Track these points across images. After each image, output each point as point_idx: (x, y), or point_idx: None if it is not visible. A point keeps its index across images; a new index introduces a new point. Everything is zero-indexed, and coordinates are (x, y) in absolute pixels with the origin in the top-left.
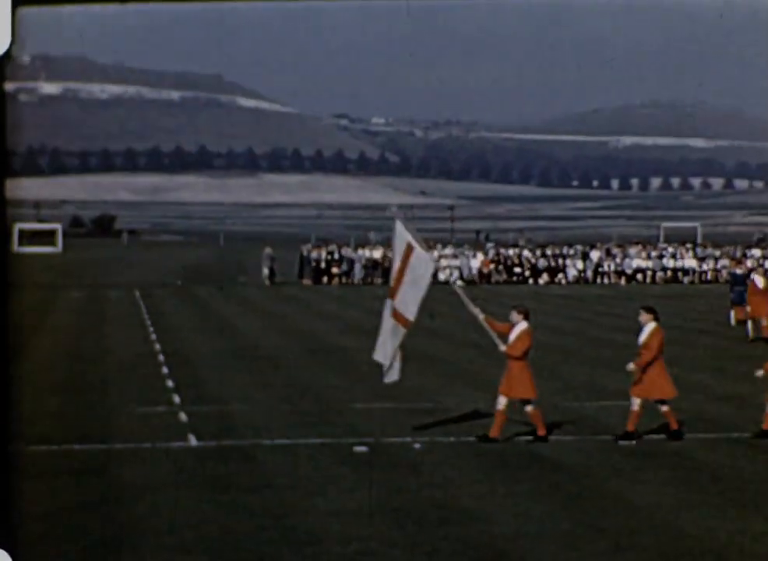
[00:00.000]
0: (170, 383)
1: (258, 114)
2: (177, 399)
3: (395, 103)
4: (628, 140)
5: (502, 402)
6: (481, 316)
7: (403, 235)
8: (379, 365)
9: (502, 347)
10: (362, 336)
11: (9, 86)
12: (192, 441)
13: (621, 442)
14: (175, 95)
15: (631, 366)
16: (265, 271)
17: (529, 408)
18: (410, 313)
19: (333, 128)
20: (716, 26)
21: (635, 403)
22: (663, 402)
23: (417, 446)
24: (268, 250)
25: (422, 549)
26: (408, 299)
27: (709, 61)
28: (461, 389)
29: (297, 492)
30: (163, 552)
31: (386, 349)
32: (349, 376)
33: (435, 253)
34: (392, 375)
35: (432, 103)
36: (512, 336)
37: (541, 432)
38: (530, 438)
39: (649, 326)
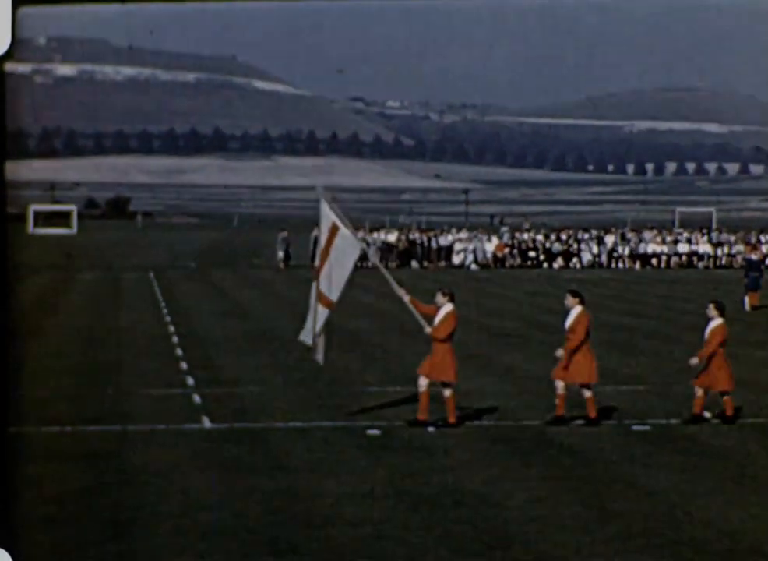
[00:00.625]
0: (183, 365)
1: (273, 97)
2: (190, 381)
3: (410, 86)
4: (643, 125)
5: (423, 383)
6: (407, 298)
7: (328, 215)
8: (388, 349)
9: (427, 329)
10: (376, 320)
11: (25, 68)
12: (206, 423)
13: (552, 428)
14: (190, 77)
15: (560, 352)
16: (280, 254)
17: (447, 392)
18: (334, 294)
19: (348, 111)
20: (732, 11)
21: (560, 386)
22: (587, 387)
23: (430, 429)
24: (283, 233)
25: (434, 532)
26: (332, 280)
27: (724, 45)
28: (473, 373)
29: (310, 474)
30: (176, 534)
31: (311, 330)
32: (362, 359)
33: (450, 237)
34: (318, 357)
35: (447, 86)
36: (438, 318)
37: (451, 419)
38: (439, 423)
39: (576, 310)
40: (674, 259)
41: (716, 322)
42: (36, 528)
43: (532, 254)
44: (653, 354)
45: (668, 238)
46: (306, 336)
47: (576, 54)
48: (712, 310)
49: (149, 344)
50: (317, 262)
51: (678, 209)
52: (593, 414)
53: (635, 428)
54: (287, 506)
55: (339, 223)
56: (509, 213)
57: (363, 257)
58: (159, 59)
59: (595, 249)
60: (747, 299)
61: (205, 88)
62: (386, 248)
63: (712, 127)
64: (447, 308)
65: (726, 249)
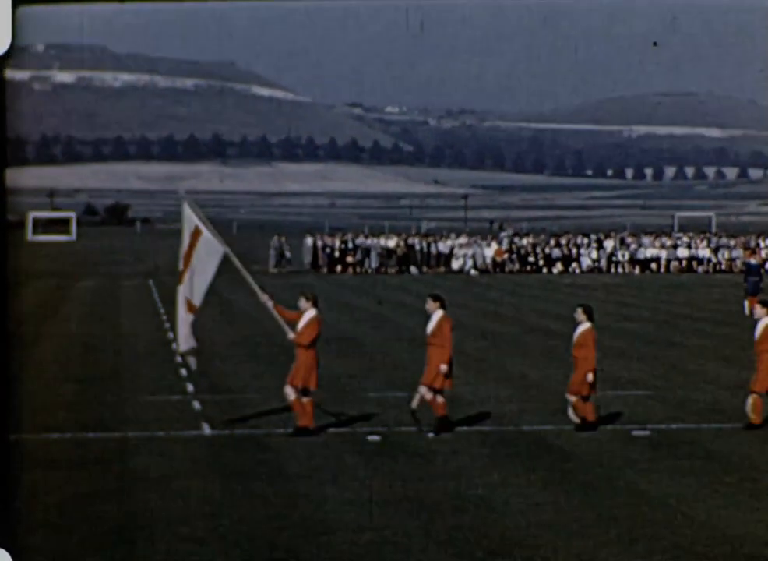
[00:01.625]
0: (183, 372)
1: (272, 103)
2: (190, 388)
3: (409, 92)
4: (642, 129)
5: (289, 392)
6: (270, 303)
7: (191, 219)
8: (389, 354)
9: (291, 335)
10: (376, 326)
11: (24, 75)
12: (206, 430)
13: (430, 435)
14: (189, 83)
15: (443, 367)
16: (272, 260)
17: (305, 399)
18: (197, 299)
19: (347, 117)
20: (731, 16)
21: (424, 391)
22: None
23: (430, 435)
24: (275, 239)
25: (435, 538)
26: (195, 284)
27: (723, 50)
28: (473, 378)
29: (310, 481)
30: (177, 541)
31: (185, 337)
32: (362, 365)
33: (449, 242)
34: (192, 362)
35: (446, 92)
36: (301, 324)
37: (307, 421)
38: (290, 431)
39: (437, 315)
40: (674, 263)
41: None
42: (36, 534)
43: (531, 259)
44: (653, 359)
45: (667, 243)
46: (182, 344)
47: (574, 59)
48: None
49: (149, 350)
50: (180, 267)
51: (678, 213)
52: (441, 411)
53: (635, 433)
54: (287, 512)
55: (202, 227)
56: (508, 218)
57: (359, 262)
58: (157, 66)
59: (594, 254)
60: (747, 303)
61: (204, 94)
62: (385, 254)
63: (711, 131)
64: (310, 313)
65: (725, 254)
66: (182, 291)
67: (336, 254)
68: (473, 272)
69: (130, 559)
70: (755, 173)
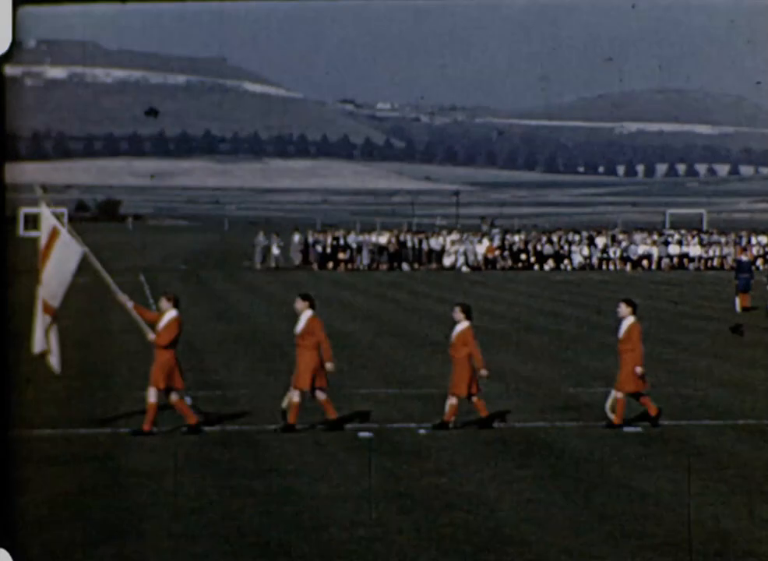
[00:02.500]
0: None
1: (264, 99)
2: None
3: (400, 88)
4: (633, 126)
5: (151, 394)
6: (130, 304)
7: (48, 219)
8: (380, 351)
9: (151, 336)
10: (367, 322)
11: (15, 70)
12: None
13: (422, 432)
14: (180, 79)
15: (330, 365)
16: (258, 257)
17: (174, 397)
18: (55, 300)
19: (339, 113)
20: (722, 12)
21: (296, 394)
22: (321, 390)
23: (421, 431)
24: (261, 236)
25: (427, 535)
26: (52, 285)
27: (714, 46)
28: None
29: (301, 477)
30: (168, 537)
31: (39, 338)
32: (354, 362)
33: (441, 239)
34: (53, 362)
35: (438, 88)
36: (161, 324)
37: (191, 420)
38: (185, 429)
39: (306, 315)
40: (665, 260)
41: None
42: (29, 531)
43: (523, 256)
44: (645, 356)
45: (659, 240)
46: (37, 345)
47: (565, 56)
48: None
49: (141, 346)
50: (39, 267)
51: (669, 210)
52: (292, 419)
53: (627, 429)
54: (278, 508)
55: (60, 227)
56: (500, 214)
57: (350, 259)
58: (149, 61)
59: (586, 251)
60: (738, 300)
61: (195, 90)
62: (377, 250)
63: (702, 128)
64: (171, 314)
65: (717, 251)
66: (41, 292)
67: (328, 250)
68: (464, 268)
69: (121, 556)
70: (746, 170)
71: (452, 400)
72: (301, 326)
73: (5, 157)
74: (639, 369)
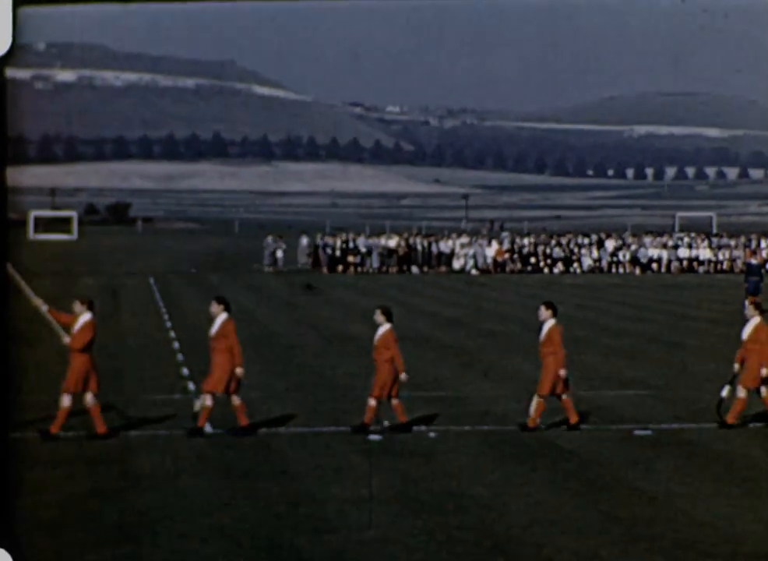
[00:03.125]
0: (185, 371)
1: (273, 102)
2: (192, 386)
3: (410, 91)
4: (643, 129)
5: (65, 400)
6: (45, 308)
7: None
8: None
9: (66, 340)
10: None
11: (25, 73)
12: (208, 428)
13: (431, 434)
14: (190, 83)
15: (239, 371)
16: (267, 260)
17: (89, 400)
18: None
19: (348, 116)
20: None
21: (209, 398)
22: (235, 394)
23: (431, 434)
24: (270, 239)
25: (437, 537)
26: None
27: (724, 49)
28: (474, 377)
29: (312, 479)
30: (179, 539)
31: None
32: (364, 365)
33: (450, 242)
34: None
35: (447, 91)
36: (76, 328)
37: (101, 429)
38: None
39: (221, 318)
40: (675, 263)
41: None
42: (39, 533)
43: (532, 259)
44: (655, 359)
45: (668, 243)
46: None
47: (575, 58)
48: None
49: (150, 349)
50: None
51: (678, 213)
52: (202, 422)
53: (637, 432)
54: (289, 511)
55: None
56: (510, 217)
57: (360, 262)
58: (159, 65)
59: (595, 254)
60: (747, 303)
61: (205, 93)
62: (387, 254)
63: (712, 131)
64: (86, 317)
65: (726, 254)
66: None
67: (338, 254)
68: (474, 272)
69: (132, 558)
70: (755, 173)
71: (371, 403)
72: (215, 329)
73: (6, 159)
74: (562, 372)
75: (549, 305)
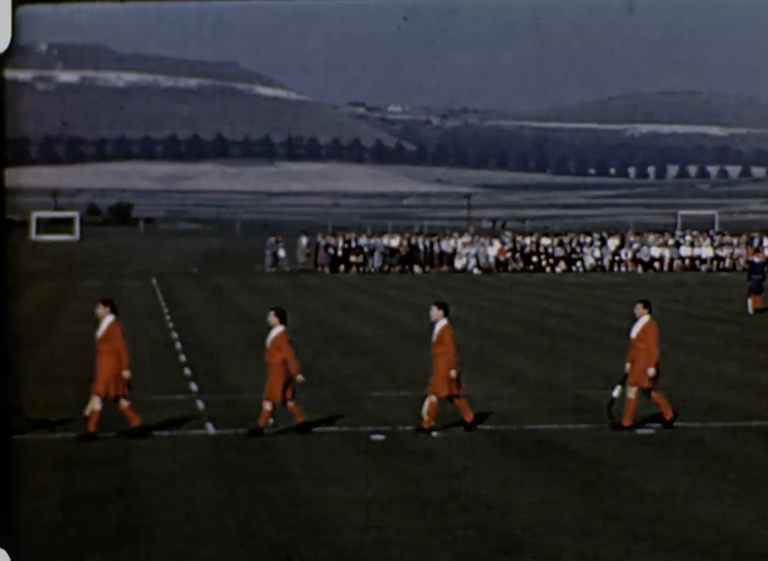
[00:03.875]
0: (187, 372)
1: (275, 103)
2: (194, 387)
3: (411, 91)
4: (644, 128)
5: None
6: None
7: None
8: (391, 354)
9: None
10: (379, 325)
11: (27, 75)
12: (210, 429)
13: (434, 434)
14: (192, 83)
15: (126, 373)
16: (268, 260)
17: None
18: None
19: (350, 116)
20: (734, 13)
21: (98, 402)
22: (124, 398)
23: (434, 434)
24: (272, 239)
25: (440, 537)
26: None
27: (726, 47)
28: (478, 377)
29: (314, 480)
30: (181, 541)
31: None
32: (366, 365)
33: (452, 242)
34: None
35: (448, 91)
36: (101, 332)
37: (135, 422)
38: None
39: (107, 321)
40: (677, 262)
41: (108, 319)
42: (41, 534)
43: (534, 258)
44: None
45: (670, 242)
46: None
47: (576, 57)
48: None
49: (153, 350)
50: None
51: (680, 212)
52: (136, 422)
53: (639, 431)
54: (291, 511)
55: None
56: (512, 217)
57: (363, 262)
58: (160, 65)
59: (597, 253)
60: (750, 302)
61: (206, 94)
62: (389, 253)
63: (713, 130)
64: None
65: (728, 252)
66: None
67: (340, 253)
68: (476, 271)
69: (134, 559)
70: (758, 171)
71: (266, 406)
72: (101, 331)
73: (4, 160)
74: (453, 373)
75: (441, 305)
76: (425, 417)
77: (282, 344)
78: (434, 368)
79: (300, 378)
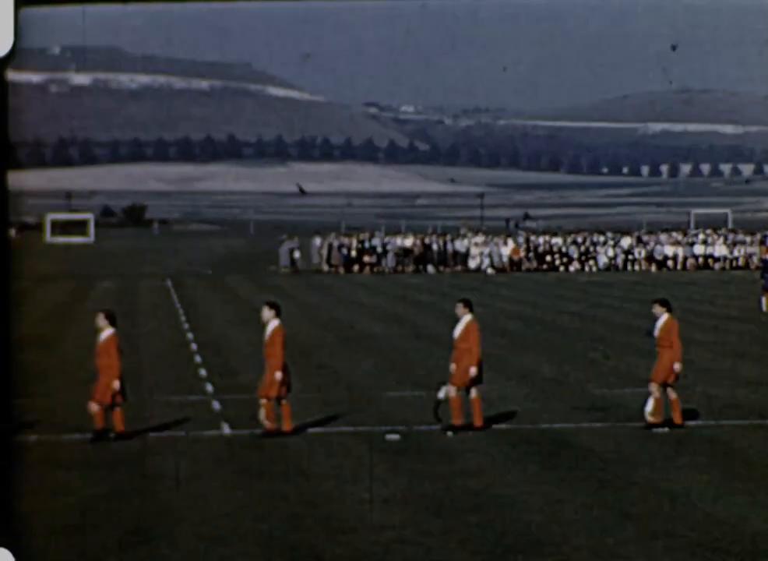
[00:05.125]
0: (202, 372)
1: (288, 103)
2: (210, 388)
3: (424, 91)
4: (657, 127)
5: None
6: None
7: None
8: (406, 353)
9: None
10: (393, 324)
11: (40, 77)
12: (226, 429)
13: (449, 434)
14: (205, 84)
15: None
16: (283, 260)
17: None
18: None
19: (363, 116)
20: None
21: (95, 409)
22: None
23: (449, 433)
24: (288, 241)
25: (456, 537)
26: None
27: (739, 46)
28: (491, 376)
29: (330, 480)
30: (198, 541)
31: None
32: (380, 364)
33: (465, 241)
34: None
35: (461, 90)
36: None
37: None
38: None
39: (107, 333)
40: (690, 260)
41: (108, 334)
42: (58, 535)
43: (548, 257)
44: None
45: (684, 240)
46: None
47: (589, 56)
48: (101, 320)
49: (168, 351)
50: None
51: (694, 210)
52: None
53: (654, 430)
54: (307, 511)
55: None
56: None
57: (376, 262)
58: (173, 67)
59: (611, 252)
60: (763, 300)
61: (219, 95)
62: (402, 253)
63: (726, 128)
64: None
65: (742, 250)
66: None
67: (353, 254)
68: (490, 270)
69: (151, 559)
70: None
71: (93, 408)
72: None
73: (7, 160)
74: (278, 375)
75: (272, 306)
76: (264, 423)
77: (110, 350)
78: (266, 370)
79: (115, 384)
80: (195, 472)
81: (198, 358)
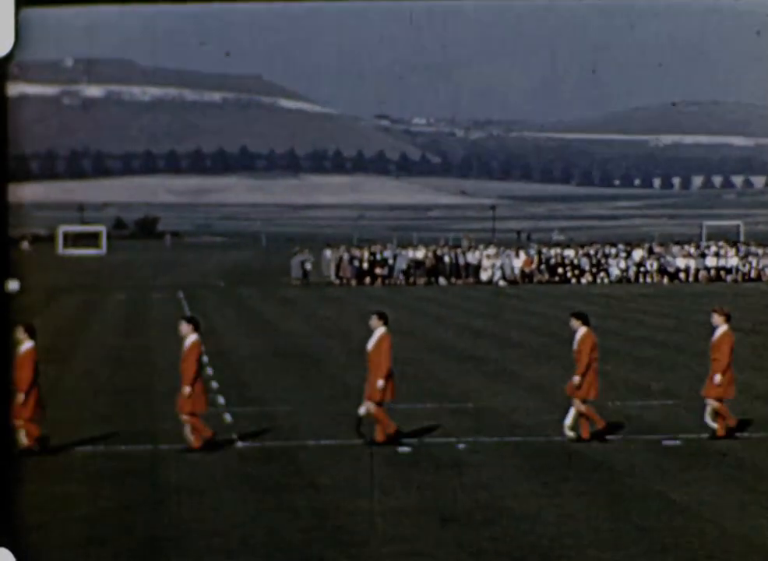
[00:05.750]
0: (214, 385)
1: (300, 116)
2: (221, 400)
3: (435, 103)
4: (669, 139)
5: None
6: None
7: None
8: (417, 366)
9: None
10: (405, 337)
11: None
12: (237, 442)
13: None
14: (217, 97)
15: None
16: (296, 273)
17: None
18: None
19: (374, 129)
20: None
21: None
22: None
23: (460, 446)
24: (300, 253)
25: (467, 549)
26: None
27: (750, 58)
28: (504, 389)
29: (341, 492)
30: (209, 553)
31: None
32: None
33: (477, 253)
34: None
35: (473, 103)
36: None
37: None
38: None
39: (191, 337)
40: (702, 272)
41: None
42: (71, 547)
43: (560, 270)
44: (683, 369)
45: (696, 252)
46: None
47: (600, 68)
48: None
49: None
50: None
51: (705, 222)
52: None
53: (666, 443)
54: (318, 523)
55: None
56: (536, 228)
57: (388, 274)
58: (185, 79)
59: (623, 264)
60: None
61: (231, 107)
62: (414, 265)
63: (738, 140)
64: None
65: (754, 262)
66: None
67: (365, 266)
68: (501, 283)
69: None
70: None
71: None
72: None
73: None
74: (186, 390)
75: (190, 320)
76: (189, 438)
77: (26, 363)
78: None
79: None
80: (207, 485)
81: (209, 370)
